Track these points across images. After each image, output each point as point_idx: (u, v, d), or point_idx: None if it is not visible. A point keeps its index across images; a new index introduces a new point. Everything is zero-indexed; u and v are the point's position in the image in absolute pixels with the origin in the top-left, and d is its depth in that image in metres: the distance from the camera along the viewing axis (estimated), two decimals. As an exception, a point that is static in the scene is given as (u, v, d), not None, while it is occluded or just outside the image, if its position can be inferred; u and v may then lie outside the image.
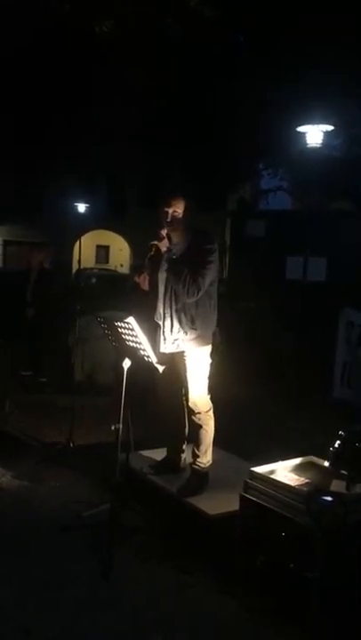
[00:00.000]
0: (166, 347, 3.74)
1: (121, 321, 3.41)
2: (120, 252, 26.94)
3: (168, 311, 3.72)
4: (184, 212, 3.67)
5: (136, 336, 3.37)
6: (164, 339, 3.74)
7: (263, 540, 3.01)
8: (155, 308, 3.81)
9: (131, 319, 3.33)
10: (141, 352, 3.43)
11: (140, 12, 6.18)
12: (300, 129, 7.66)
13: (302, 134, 7.88)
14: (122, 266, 26.01)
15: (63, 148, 14.03)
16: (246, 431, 5.17)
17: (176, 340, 3.72)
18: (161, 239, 3.64)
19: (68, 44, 8.58)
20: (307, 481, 3.07)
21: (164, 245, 3.65)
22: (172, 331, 3.71)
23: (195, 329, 3.67)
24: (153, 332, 3.74)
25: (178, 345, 3.72)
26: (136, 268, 6.78)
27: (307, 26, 8.40)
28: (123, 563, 3.21)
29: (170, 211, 3.66)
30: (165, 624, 2.81)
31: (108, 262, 27.10)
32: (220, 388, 3.97)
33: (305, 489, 2.95)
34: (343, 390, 6.37)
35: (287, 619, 2.80)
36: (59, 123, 12.50)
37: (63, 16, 6.52)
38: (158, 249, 3.67)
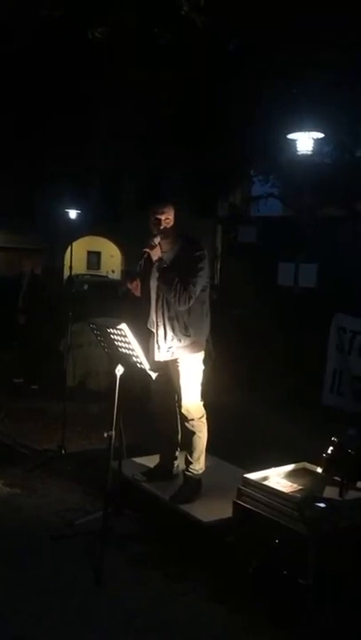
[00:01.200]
0: (161, 355, 3.74)
1: (113, 327, 3.41)
2: (111, 259, 26.90)
3: (161, 319, 3.72)
4: (174, 219, 3.69)
5: (129, 343, 3.36)
6: (159, 347, 3.74)
7: (256, 547, 3.01)
8: (147, 314, 3.81)
9: (123, 326, 3.33)
10: (134, 359, 3.43)
11: (132, 20, 6.22)
12: (291, 136, 7.71)
13: (293, 141, 7.93)
14: (113, 272, 25.96)
15: (53, 154, 14.01)
16: (239, 437, 5.16)
17: (170, 347, 3.72)
18: (152, 247, 3.64)
19: (60, 48, 8.60)
20: (300, 487, 3.08)
21: (155, 254, 3.65)
22: (165, 339, 3.71)
23: (188, 336, 3.68)
24: (146, 338, 3.74)
25: (172, 353, 3.72)
26: (128, 273, 6.78)
27: (296, 34, 8.46)
28: (116, 570, 3.20)
29: (161, 218, 3.67)
30: (159, 632, 2.80)
31: (99, 268, 27.05)
32: (212, 395, 3.97)
33: (298, 495, 2.96)
34: (333, 398, 6.39)
35: (281, 625, 2.79)
36: (49, 128, 12.49)
37: (55, 23, 6.54)
38: (150, 256, 3.67)
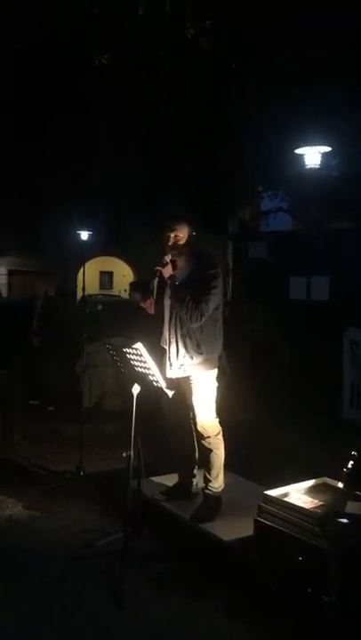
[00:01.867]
0: (172, 372, 3.74)
1: (129, 347, 3.42)
2: (123, 278, 27.02)
3: (173, 336, 3.73)
4: (187, 236, 3.71)
5: (145, 362, 3.37)
6: (170, 364, 3.75)
7: (278, 565, 2.97)
8: (161, 332, 3.82)
9: (139, 345, 3.34)
10: (150, 377, 3.44)
11: (138, 47, 6.33)
12: (298, 151, 7.77)
13: (300, 156, 7.99)
14: (125, 291, 26.06)
15: (62, 176, 14.20)
16: (257, 454, 5.13)
17: (182, 365, 3.72)
18: (164, 265, 3.66)
19: (64, 71, 8.76)
20: (321, 503, 3.04)
21: (167, 272, 3.67)
22: (177, 356, 3.72)
23: (201, 353, 3.68)
24: (160, 356, 3.75)
25: (184, 370, 3.73)
26: (135, 285, 6.79)
27: (300, 47, 8.54)
28: (136, 591, 3.18)
29: (172, 235, 3.69)
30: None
31: (111, 288, 27.21)
32: (228, 411, 3.96)
33: (319, 511, 2.93)
34: (354, 412, 6.35)
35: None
36: (55, 150, 12.68)
37: (58, 52, 6.67)
38: (162, 274, 3.69)
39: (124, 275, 27.03)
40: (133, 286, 7.12)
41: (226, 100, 10.14)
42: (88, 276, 20.46)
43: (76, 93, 10.04)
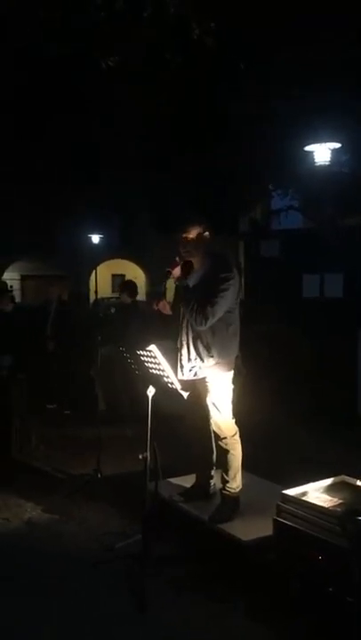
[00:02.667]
0: (184, 374, 3.74)
1: (143, 349, 3.43)
2: (135, 280, 27.21)
3: (185, 339, 3.73)
4: (199, 237, 3.70)
5: (159, 364, 3.37)
6: (182, 366, 3.74)
7: (299, 564, 2.96)
8: (177, 334, 3.82)
9: (153, 347, 3.34)
10: (165, 379, 3.44)
11: (143, 48, 6.35)
12: (308, 148, 7.74)
13: (310, 153, 7.95)
14: (137, 293, 26.22)
15: (72, 180, 14.23)
16: (273, 453, 5.12)
17: (193, 367, 3.72)
18: (174, 266, 3.66)
19: (70, 76, 8.79)
20: (340, 501, 3.02)
21: (176, 272, 3.66)
22: (189, 358, 3.71)
23: (211, 356, 3.66)
24: (175, 358, 3.75)
25: (195, 372, 3.72)
26: (152, 295, 6.84)
27: (308, 44, 8.50)
28: (155, 593, 3.17)
29: (185, 237, 3.69)
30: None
31: (124, 291, 27.38)
32: (243, 411, 3.95)
33: (339, 510, 2.91)
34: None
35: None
36: (66, 154, 12.71)
37: (64, 58, 6.70)
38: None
39: (135, 277, 27.12)
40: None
41: (232, 100, 10.12)
42: (100, 280, 20.57)
43: (80, 95, 10.09)
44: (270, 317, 10.80)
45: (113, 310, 17.17)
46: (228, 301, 3.61)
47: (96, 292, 17.72)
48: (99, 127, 11.51)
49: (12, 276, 23.38)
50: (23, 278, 24.00)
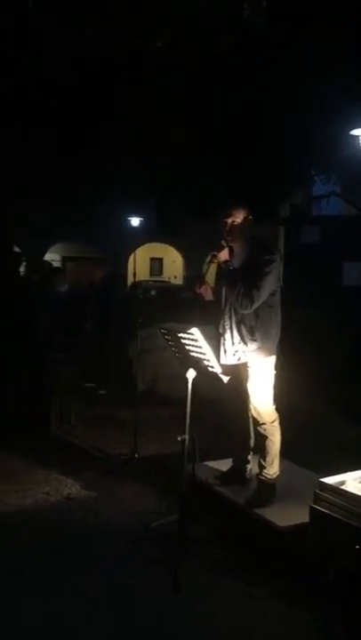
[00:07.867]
0: (227, 359, 3.74)
1: (184, 332, 3.44)
2: (173, 264, 27.11)
3: (228, 323, 3.74)
4: (244, 221, 3.69)
5: (200, 347, 3.38)
6: (225, 350, 3.75)
7: (335, 553, 2.96)
8: (219, 318, 3.82)
9: (195, 330, 3.35)
10: (205, 363, 3.45)
11: (194, 28, 6.25)
12: (354, 132, 7.56)
13: (355, 137, 7.77)
14: (175, 277, 26.16)
15: (108, 163, 14.18)
16: (311, 441, 5.09)
17: (236, 351, 3.72)
18: (220, 250, 3.66)
19: (112, 61, 8.73)
20: (379, 492, 3.00)
21: (223, 256, 3.66)
22: (233, 342, 3.72)
23: (255, 340, 3.66)
24: (217, 342, 3.76)
25: (239, 357, 3.73)
26: (192, 279, 6.83)
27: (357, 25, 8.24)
28: (190, 575, 3.21)
29: (228, 221, 3.68)
30: (234, 638, 2.79)
31: (161, 274, 27.33)
32: (282, 398, 3.94)
33: (378, 500, 2.89)
34: None
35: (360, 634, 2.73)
36: (104, 137, 12.66)
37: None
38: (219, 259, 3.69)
39: (173, 261, 27.11)
40: None
41: (279, 84, 9.91)
42: (138, 263, 20.62)
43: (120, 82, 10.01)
44: (309, 304, 10.68)
45: (153, 293, 17.25)
46: (271, 284, 3.61)
47: (135, 274, 17.78)
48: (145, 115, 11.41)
49: (53, 257, 23.64)
50: (65, 260, 24.24)
